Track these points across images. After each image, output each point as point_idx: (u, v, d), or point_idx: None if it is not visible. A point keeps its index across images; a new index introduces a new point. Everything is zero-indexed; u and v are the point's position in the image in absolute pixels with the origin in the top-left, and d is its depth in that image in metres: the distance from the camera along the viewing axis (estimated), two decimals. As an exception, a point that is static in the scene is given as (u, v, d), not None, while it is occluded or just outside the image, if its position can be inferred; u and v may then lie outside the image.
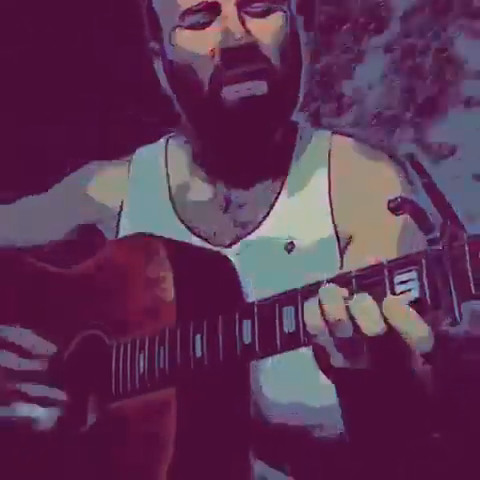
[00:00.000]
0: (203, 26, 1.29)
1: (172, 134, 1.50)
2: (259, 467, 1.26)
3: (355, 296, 0.92)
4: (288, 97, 1.34)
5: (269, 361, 1.20)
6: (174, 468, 1.12)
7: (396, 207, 0.91)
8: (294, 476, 1.29)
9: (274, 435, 1.28)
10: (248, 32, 1.27)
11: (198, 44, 1.29)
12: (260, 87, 1.27)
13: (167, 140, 1.50)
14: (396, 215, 0.91)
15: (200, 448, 1.15)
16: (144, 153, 1.51)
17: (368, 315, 0.91)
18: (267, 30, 1.29)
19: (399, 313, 0.90)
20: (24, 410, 1.25)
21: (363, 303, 0.91)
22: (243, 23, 1.27)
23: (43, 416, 1.25)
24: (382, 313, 0.90)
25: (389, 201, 0.91)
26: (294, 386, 1.27)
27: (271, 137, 1.35)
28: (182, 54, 1.31)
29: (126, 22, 1.44)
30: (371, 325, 0.90)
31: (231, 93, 1.27)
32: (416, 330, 0.89)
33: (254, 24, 1.28)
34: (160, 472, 1.12)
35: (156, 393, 1.16)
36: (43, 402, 1.25)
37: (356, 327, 0.92)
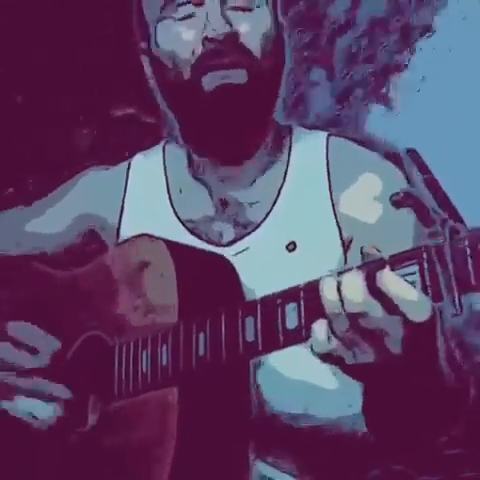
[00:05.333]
0: (186, 17, 1.32)
1: (170, 138, 1.51)
2: (262, 467, 1.26)
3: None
4: (268, 90, 1.34)
5: (270, 358, 1.20)
6: (176, 467, 1.12)
7: (399, 201, 0.92)
8: (297, 476, 1.29)
9: (276, 434, 1.28)
10: (229, 24, 1.29)
11: (180, 35, 1.31)
12: (239, 76, 1.29)
13: (165, 143, 1.51)
14: (398, 209, 0.92)
15: (201, 447, 1.15)
16: (142, 158, 1.52)
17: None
18: (249, 23, 1.31)
19: (394, 284, 0.91)
20: (25, 405, 1.25)
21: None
22: (225, 15, 1.29)
23: (42, 412, 1.24)
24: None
25: (392, 195, 0.93)
26: (296, 384, 1.27)
27: (255, 132, 1.35)
28: (165, 45, 1.33)
29: (126, 22, 1.44)
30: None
31: (210, 81, 1.29)
32: (411, 298, 0.90)
33: (236, 16, 1.30)
34: (162, 471, 1.13)
35: (158, 392, 1.16)
36: (44, 397, 1.25)
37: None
